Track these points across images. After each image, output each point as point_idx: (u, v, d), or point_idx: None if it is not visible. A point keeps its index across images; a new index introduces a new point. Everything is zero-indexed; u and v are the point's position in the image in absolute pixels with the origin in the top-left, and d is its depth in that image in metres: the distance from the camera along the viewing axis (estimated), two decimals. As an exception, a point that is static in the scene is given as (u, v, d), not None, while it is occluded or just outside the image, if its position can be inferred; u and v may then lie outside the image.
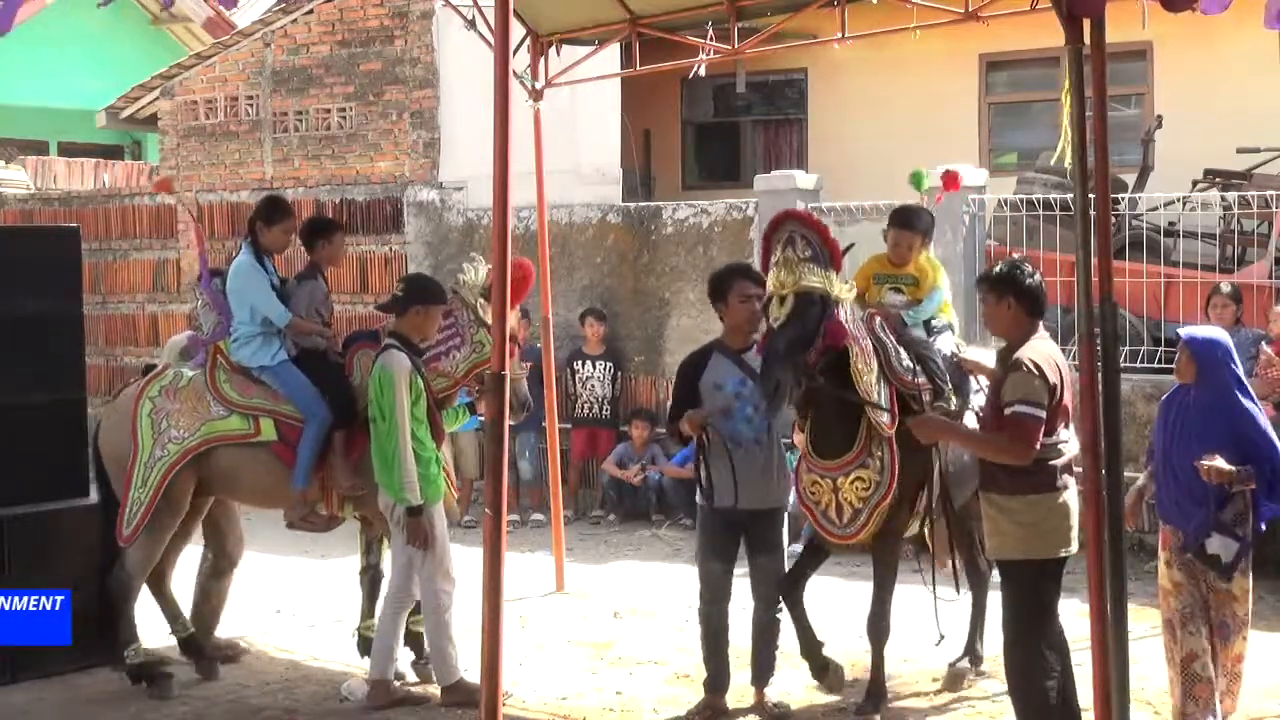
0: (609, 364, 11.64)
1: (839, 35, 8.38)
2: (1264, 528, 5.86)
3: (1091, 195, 5.17)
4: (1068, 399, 6.40)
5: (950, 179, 7.28)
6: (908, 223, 6.71)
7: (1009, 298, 5.48)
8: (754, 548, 6.40)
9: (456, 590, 6.78)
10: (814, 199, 11.25)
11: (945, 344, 6.55)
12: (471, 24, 8.65)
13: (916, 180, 7.04)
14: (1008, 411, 5.30)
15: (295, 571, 9.51)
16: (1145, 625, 7.76)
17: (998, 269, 5.61)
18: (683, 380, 6.42)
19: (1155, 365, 9.99)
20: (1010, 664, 5.59)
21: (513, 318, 6.75)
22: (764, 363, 5.86)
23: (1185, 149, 11.58)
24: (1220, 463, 5.60)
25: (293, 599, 8.89)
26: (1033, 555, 5.44)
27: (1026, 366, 5.30)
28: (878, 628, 6.39)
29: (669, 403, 6.71)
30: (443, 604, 6.69)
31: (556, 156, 10.35)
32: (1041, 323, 5.57)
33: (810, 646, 6.51)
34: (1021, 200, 10.52)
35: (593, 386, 11.62)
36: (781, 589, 6.39)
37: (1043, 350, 5.43)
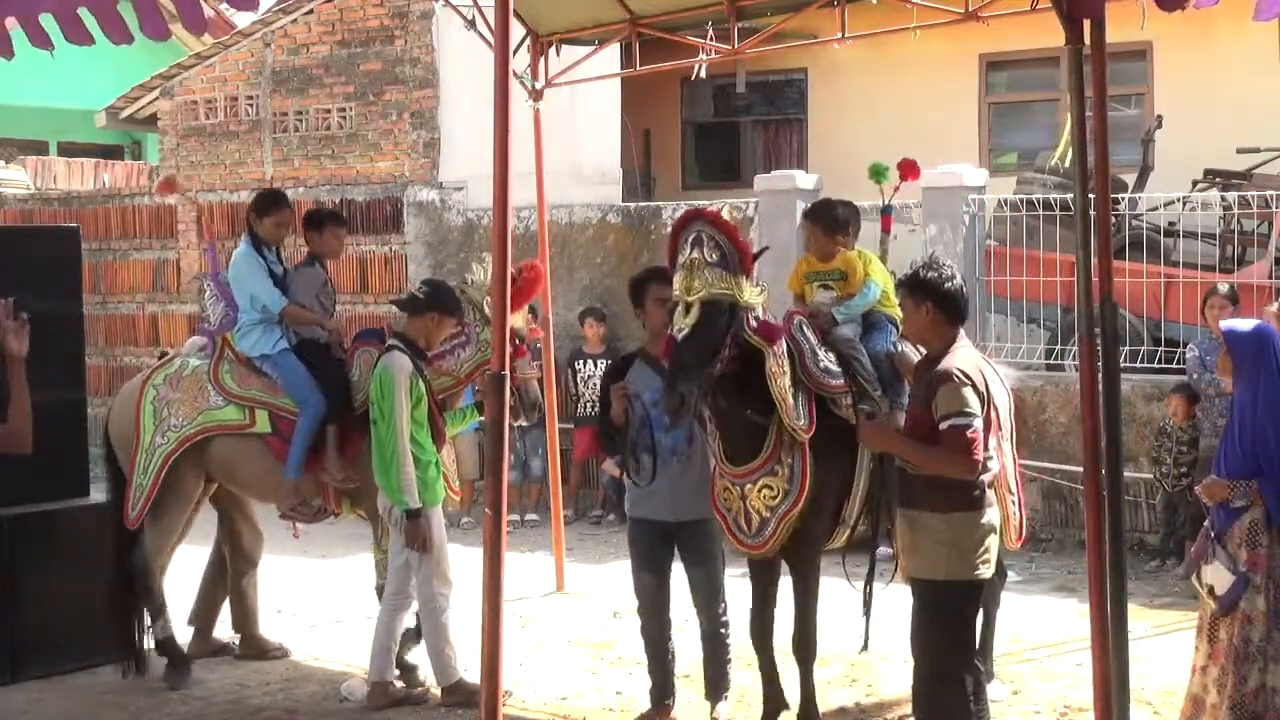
0: (610, 363, 11.63)
1: (839, 35, 8.37)
2: None
3: (1091, 195, 5.17)
4: (999, 414, 6.13)
5: (907, 167, 6.96)
6: (807, 214, 6.56)
7: (927, 303, 5.21)
8: (686, 560, 6.22)
9: (456, 591, 6.78)
10: (814, 199, 11.24)
11: (881, 341, 6.28)
12: (471, 24, 8.65)
13: (876, 173, 6.92)
14: (943, 426, 5.03)
15: (295, 571, 9.51)
16: (1145, 625, 7.78)
17: (916, 271, 5.29)
18: (605, 390, 6.26)
19: (1155, 365, 10.00)
20: (927, 699, 5.27)
21: (521, 318, 6.73)
22: (668, 376, 5.59)
23: (1185, 149, 11.58)
24: (1212, 481, 5.27)
25: (293, 599, 8.89)
26: (954, 576, 5.15)
27: (957, 377, 5.04)
28: (805, 647, 6.05)
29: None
30: (439, 606, 6.69)
31: (556, 156, 10.35)
32: (962, 329, 5.30)
33: (771, 697, 6.18)
34: (1021, 200, 10.53)
35: (594, 385, 11.61)
36: (752, 639, 6.14)
37: (969, 359, 5.19)
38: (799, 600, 6.03)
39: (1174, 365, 9.76)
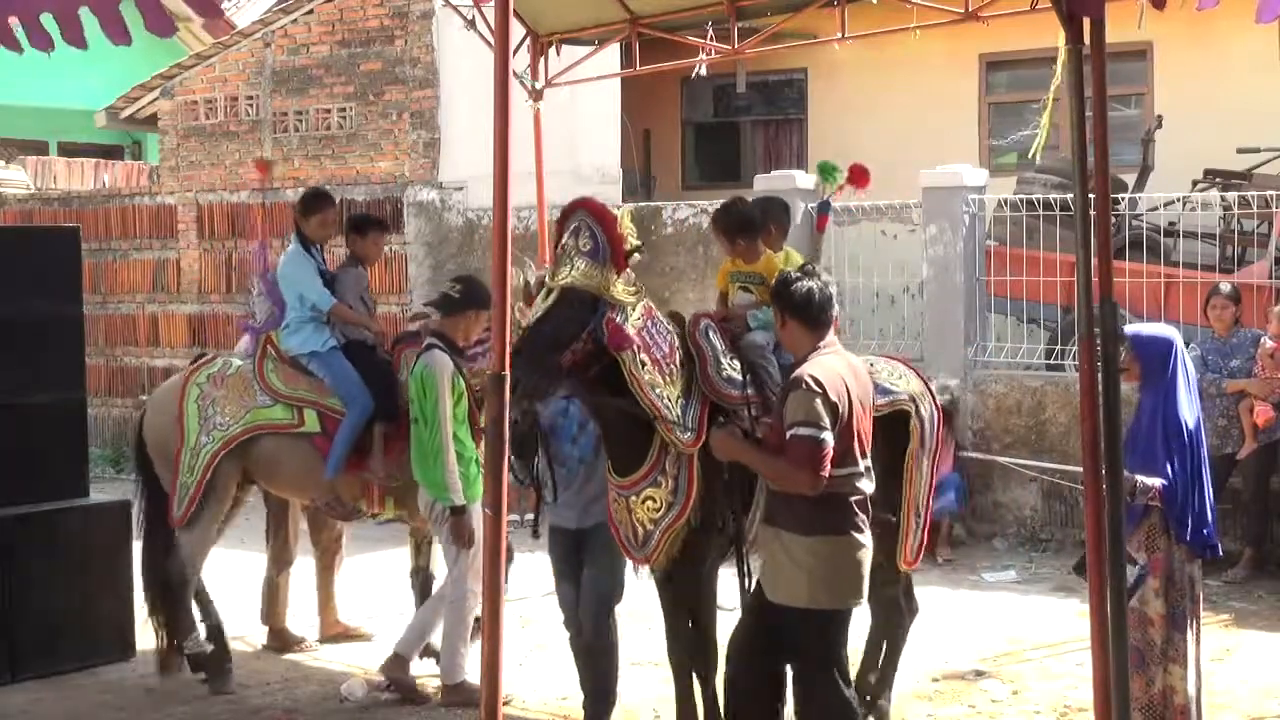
0: None
1: (839, 35, 8.37)
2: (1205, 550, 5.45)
3: (1091, 195, 5.16)
4: (922, 428, 5.99)
5: (858, 173, 6.75)
6: (713, 218, 6.39)
7: (784, 313, 5.02)
8: (585, 562, 6.08)
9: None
10: (814, 199, 11.25)
11: None
12: (471, 24, 8.65)
13: (824, 171, 6.74)
14: (789, 434, 4.77)
15: (296, 572, 9.49)
16: (1145, 625, 7.76)
17: (780, 279, 5.12)
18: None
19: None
20: None
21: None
22: (513, 358, 5.36)
23: (1185, 149, 11.60)
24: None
25: (293, 599, 8.87)
26: (817, 605, 4.88)
27: (806, 384, 4.78)
28: (703, 663, 5.77)
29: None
30: (469, 605, 6.73)
31: (556, 156, 10.35)
32: (833, 336, 5.07)
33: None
34: (1021, 200, 10.53)
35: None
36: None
37: (830, 366, 4.90)
38: (694, 617, 5.77)
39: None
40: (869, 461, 5.00)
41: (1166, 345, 5.47)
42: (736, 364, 5.61)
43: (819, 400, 4.76)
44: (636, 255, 5.44)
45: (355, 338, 7.31)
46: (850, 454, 4.88)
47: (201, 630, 7.20)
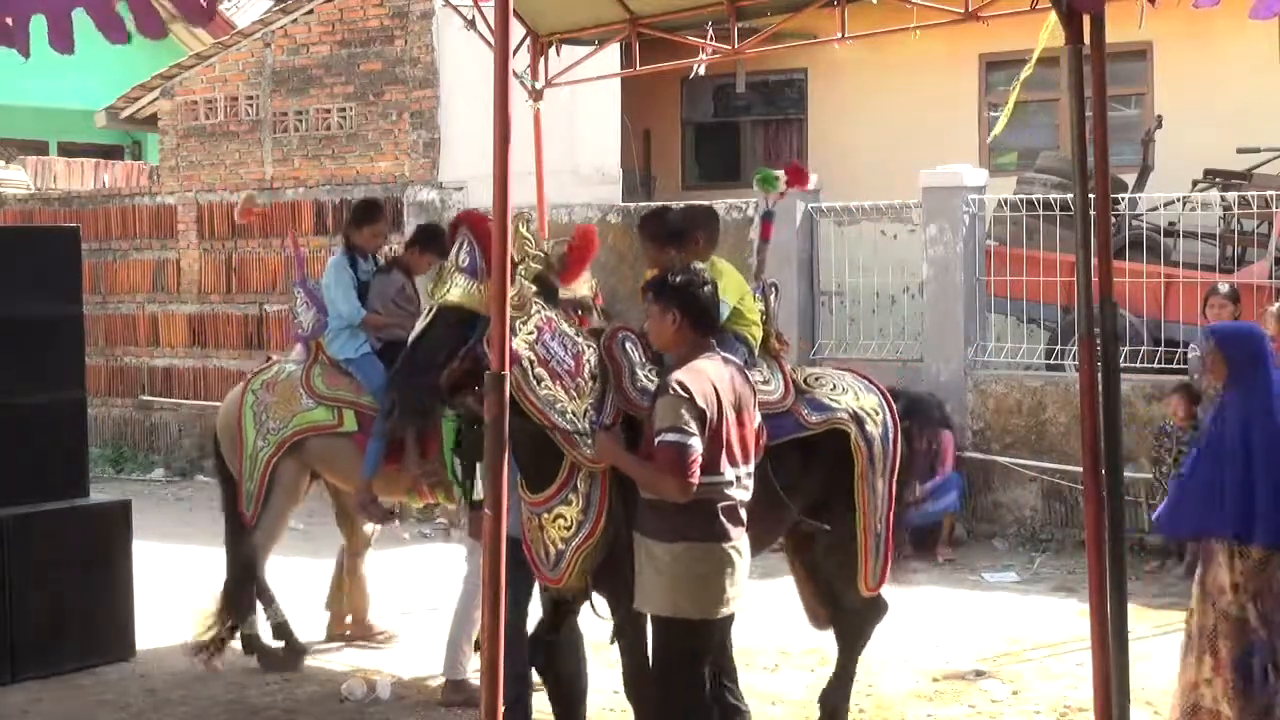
0: None
1: (839, 35, 8.36)
2: None
3: (1091, 195, 5.16)
4: (868, 446, 5.78)
5: (794, 172, 6.65)
6: (638, 224, 6.26)
7: (674, 310, 4.91)
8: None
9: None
10: (814, 199, 11.26)
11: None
12: (471, 24, 8.64)
13: (764, 181, 6.67)
14: (656, 440, 4.73)
15: (296, 571, 9.50)
16: (1145, 625, 7.77)
17: (668, 277, 4.99)
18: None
19: (1155, 365, 10.01)
20: None
21: (586, 285, 6.53)
22: (389, 380, 5.36)
23: (1185, 149, 11.60)
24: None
25: (293, 599, 8.87)
26: (678, 614, 4.82)
27: (673, 389, 4.73)
28: (636, 686, 5.50)
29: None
30: (479, 603, 6.69)
31: (556, 156, 10.35)
32: (715, 343, 5.03)
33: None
34: (1021, 200, 10.54)
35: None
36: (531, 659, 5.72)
37: (701, 371, 4.84)
38: (619, 635, 5.55)
39: (1174, 365, 9.77)
40: (748, 469, 4.94)
41: (1257, 341, 5.28)
42: (654, 375, 5.43)
43: (685, 406, 4.73)
44: (533, 265, 5.28)
45: (389, 339, 7.43)
46: (718, 461, 4.82)
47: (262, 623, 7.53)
